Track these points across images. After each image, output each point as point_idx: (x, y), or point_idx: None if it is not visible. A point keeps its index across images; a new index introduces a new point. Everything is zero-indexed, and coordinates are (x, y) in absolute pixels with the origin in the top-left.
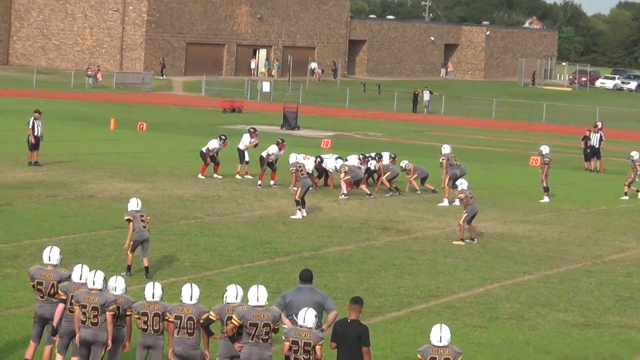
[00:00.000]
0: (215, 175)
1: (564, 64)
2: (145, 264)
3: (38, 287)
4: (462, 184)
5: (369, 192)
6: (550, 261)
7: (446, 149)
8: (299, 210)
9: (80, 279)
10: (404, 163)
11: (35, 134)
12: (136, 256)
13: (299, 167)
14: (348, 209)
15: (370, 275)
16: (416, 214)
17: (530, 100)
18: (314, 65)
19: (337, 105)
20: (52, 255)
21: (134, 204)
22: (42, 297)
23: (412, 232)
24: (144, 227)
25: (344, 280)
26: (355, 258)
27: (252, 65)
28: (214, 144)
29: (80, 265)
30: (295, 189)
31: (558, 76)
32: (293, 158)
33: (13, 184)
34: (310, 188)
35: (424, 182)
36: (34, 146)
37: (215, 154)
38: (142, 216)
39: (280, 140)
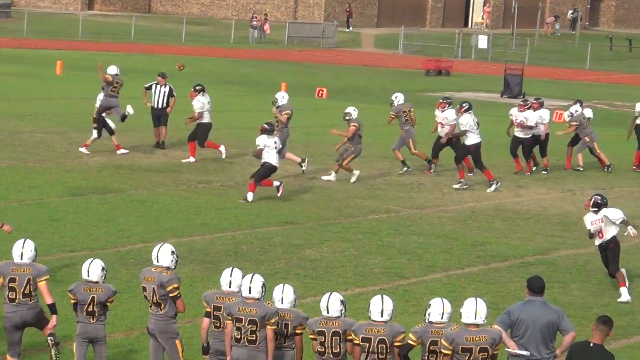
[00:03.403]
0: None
1: None
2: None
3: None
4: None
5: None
6: None
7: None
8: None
9: (230, 287)
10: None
11: (155, 105)
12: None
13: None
14: (586, 200)
15: (614, 286)
16: None
17: None
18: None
19: (575, 66)
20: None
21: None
22: (150, 307)
23: None
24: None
25: (579, 292)
26: (594, 264)
27: (479, 18)
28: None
29: (230, 269)
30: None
31: None
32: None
33: (155, 167)
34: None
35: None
36: (158, 121)
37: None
38: (117, 83)
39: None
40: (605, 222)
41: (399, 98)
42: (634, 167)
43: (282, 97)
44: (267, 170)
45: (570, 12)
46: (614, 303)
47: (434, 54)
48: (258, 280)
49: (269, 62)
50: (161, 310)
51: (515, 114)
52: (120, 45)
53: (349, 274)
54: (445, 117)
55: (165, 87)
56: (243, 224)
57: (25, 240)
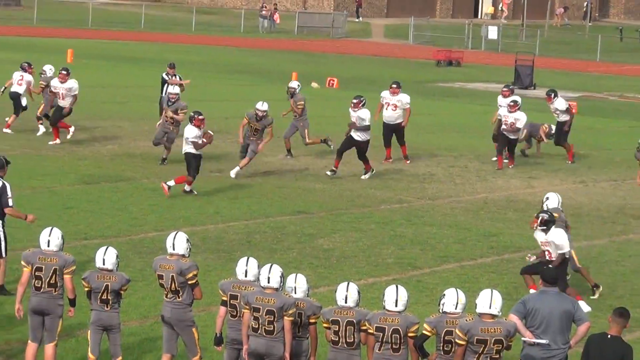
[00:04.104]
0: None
1: None
2: None
3: (160, 281)
4: (548, 199)
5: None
6: None
7: None
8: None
9: (246, 276)
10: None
11: (165, 94)
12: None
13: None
14: (598, 192)
15: (627, 278)
16: None
17: None
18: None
19: (585, 58)
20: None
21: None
22: (167, 295)
23: None
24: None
25: None
26: (607, 256)
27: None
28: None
29: (245, 258)
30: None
31: None
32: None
33: (169, 156)
34: None
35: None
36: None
37: None
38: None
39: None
40: (552, 246)
41: (301, 87)
42: None
43: (298, 87)
44: None
45: (585, 3)
46: (627, 295)
47: (444, 44)
48: (276, 270)
49: (279, 51)
50: (178, 298)
51: (505, 115)
52: (130, 34)
53: (362, 264)
54: (518, 118)
55: (175, 77)
56: (255, 213)
57: (52, 228)
